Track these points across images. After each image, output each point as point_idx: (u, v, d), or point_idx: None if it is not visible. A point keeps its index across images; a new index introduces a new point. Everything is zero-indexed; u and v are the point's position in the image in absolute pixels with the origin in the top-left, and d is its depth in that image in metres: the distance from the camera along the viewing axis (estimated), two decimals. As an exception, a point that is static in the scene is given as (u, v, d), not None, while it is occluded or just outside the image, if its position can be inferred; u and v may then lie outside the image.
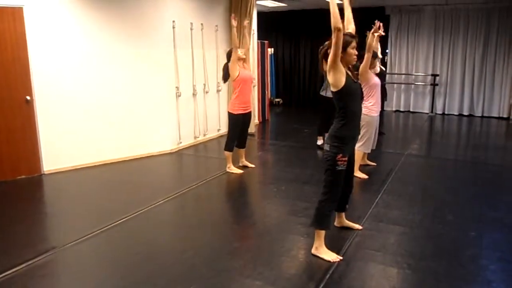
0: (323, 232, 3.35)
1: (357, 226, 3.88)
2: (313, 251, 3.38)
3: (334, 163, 3.23)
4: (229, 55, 5.43)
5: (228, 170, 5.65)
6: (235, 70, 5.34)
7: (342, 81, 3.15)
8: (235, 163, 5.79)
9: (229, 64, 5.38)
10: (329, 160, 3.27)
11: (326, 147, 3.33)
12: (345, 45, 3.15)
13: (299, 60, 12.26)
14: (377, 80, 5.27)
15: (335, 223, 3.85)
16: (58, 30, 5.50)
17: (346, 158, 3.26)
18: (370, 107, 5.18)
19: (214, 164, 6.19)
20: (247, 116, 5.63)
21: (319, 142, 6.87)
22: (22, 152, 5.39)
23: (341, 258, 3.31)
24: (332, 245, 3.42)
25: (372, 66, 5.20)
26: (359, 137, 5.09)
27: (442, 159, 6.52)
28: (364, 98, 5.15)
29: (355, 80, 3.31)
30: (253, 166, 5.92)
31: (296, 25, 11.91)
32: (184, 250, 3.53)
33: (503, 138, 8.52)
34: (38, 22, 5.32)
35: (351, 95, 3.23)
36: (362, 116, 5.13)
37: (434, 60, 10.64)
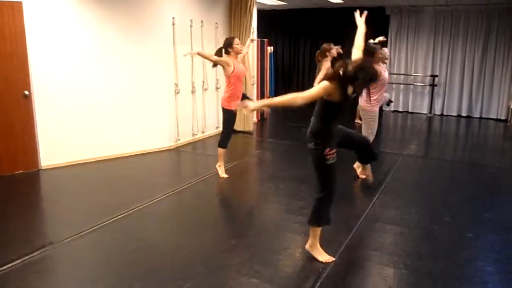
0: (319, 230, 3.32)
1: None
2: (307, 247, 3.36)
3: (324, 158, 3.11)
4: (227, 44, 5.08)
5: (218, 167, 5.41)
6: (230, 64, 5.02)
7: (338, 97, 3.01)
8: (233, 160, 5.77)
9: (225, 57, 5.04)
10: (318, 158, 3.14)
11: (311, 145, 3.17)
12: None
13: (298, 59, 12.28)
14: (386, 76, 5.20)
15: (358, 172, 3.94)
16: (57, 25, 5.48)
17: (334, 151, 3.14)
18: (372, 102, 5.05)
19: (212, 161, 6.16)
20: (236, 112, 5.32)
21: None
22: (20, 147, 5.38)
23: (333, 259, 3.29)
24: (329, 245, 3.42)
25: (381, 60, 5.07)
26: (363, 130, 5.12)
27: (440, 160, 6.53)
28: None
29: (351, 94, 3.06)
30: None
31: (295, 23, 11.90)
32: (180, 247, 3.53)
33: (501, 140, 8.54)
34: (37, 17, 5.30)
35: (337, 112, 3.11)
36: (363, 111, 5.14)
37: (433, 61, 10.64)
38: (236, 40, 5.10)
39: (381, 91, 5.16)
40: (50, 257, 3.39)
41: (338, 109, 3.09)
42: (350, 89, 2.97)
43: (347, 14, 11.00)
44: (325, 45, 6.48)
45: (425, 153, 7.18)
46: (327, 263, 3.22)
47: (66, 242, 3.58)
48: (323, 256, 3.29)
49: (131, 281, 2.99)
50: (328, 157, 3.10)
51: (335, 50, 6.36)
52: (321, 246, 3.33)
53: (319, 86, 2.98)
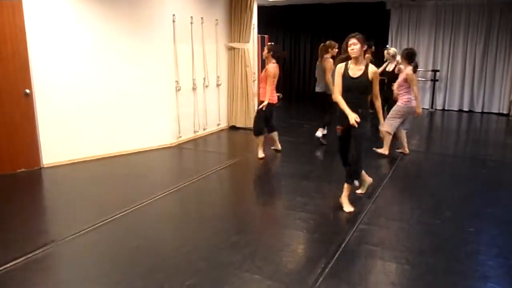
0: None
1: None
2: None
3: (335, 131, 4.22)
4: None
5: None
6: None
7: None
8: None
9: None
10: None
11: None
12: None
13: (299, 54, 12.25)
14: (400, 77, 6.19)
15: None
16: (58, 24, 5.48)
17: (340, 128, 4.12)
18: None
19: (214, 158, 6.19)
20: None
21: (318, 133, 6.84)
22: (21, 145, 5.39)
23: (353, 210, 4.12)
24: (332, 239, 3.43)
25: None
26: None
27: (441, 155, 6.52)
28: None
29: (354, 77, 3.94)
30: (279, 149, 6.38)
31: (296, 19, 11.87)
32: (183, 244, 3.54)
33: (503, 134, 8.51)
34: (38, 16, 5.30)
35: (343, 87, 4.01)
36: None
37: (434, 56, 10.62)
38: (268, 46, 5.95)
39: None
40: (52, 255, 3.40)
41: (343, 84, 4.01)
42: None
43: (347, 9, 10.99)
44: (332, 42, 6.78)
45: (427, 148, 7.17)
46: (329, 258, 3.23)
47: (68, 240, 3.59)
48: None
49: (133, 279, 3.00)
50: (337, 130, 4.21)
51: (336, 50, 6.73)
52: (320, 241, 3.36)
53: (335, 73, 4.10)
